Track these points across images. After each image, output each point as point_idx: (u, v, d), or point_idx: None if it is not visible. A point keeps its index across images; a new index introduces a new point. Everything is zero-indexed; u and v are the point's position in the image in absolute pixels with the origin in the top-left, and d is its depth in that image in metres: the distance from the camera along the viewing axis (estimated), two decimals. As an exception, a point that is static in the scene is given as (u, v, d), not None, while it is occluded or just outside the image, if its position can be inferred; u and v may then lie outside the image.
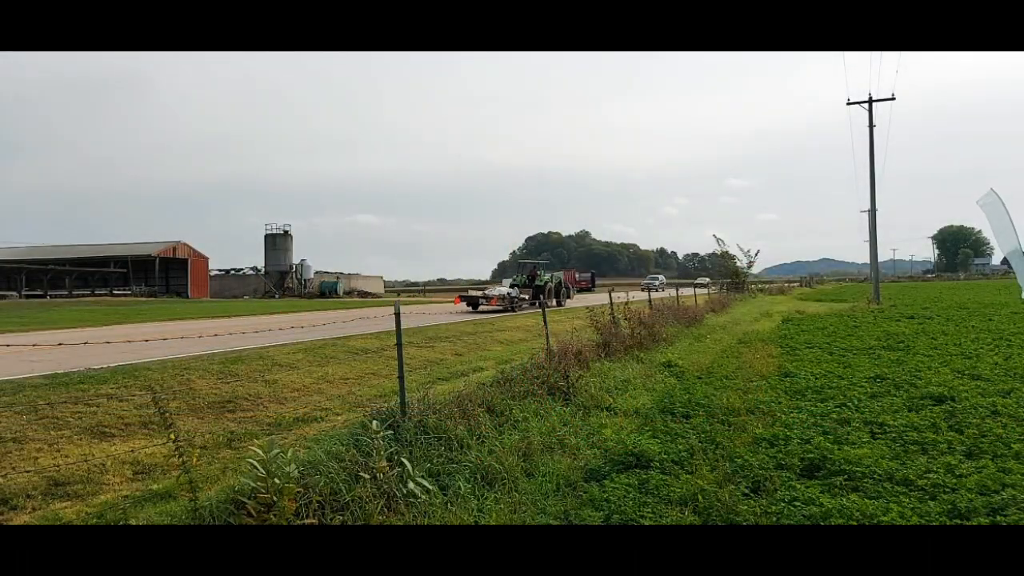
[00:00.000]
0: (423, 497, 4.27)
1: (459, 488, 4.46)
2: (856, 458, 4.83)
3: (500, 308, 22.01)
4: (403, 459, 4.52)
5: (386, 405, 5.97)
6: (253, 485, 3.93)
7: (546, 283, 26.25)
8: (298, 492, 3.98)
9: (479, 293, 24.72)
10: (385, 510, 4.10)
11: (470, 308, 22.43)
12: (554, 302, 25.97)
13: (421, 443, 5.17)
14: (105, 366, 8.28)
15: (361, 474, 4.32)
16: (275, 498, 3.79)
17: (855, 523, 3.75)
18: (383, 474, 4.32)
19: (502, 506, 4.25)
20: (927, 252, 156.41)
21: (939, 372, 8.42)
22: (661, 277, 62.57)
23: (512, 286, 25.32)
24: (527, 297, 24.35)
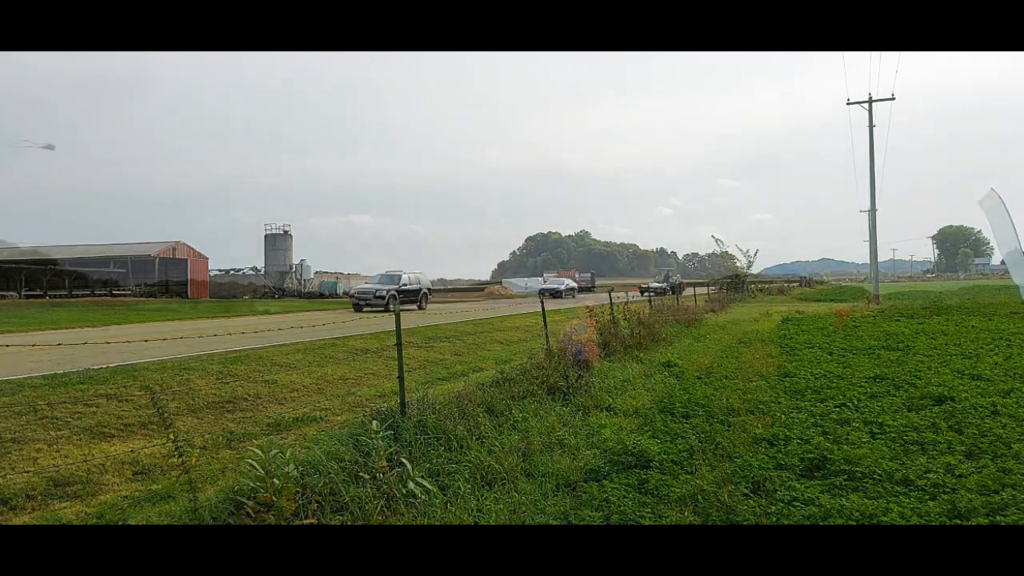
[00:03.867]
0: (423, 497, 4.26)
1: (459, 488, 4.46)
2: (856, 458, 4.83)
3: (658, 295, 33.67)
4: (403, 459, 4.52)
5: (386, 405, 5.98)
6: (252, 485, 3.93)
7: (676, 281, 46.19)
8: (297, 492, 3.98)
9: (645, 286, 43.44)
10: (385, 510, 4.10)
11: (640, 294, 34.62)
12: (677, 292, 38.34)
13: (421, 443, 5.17)
14: (105, 366, 8.28)
15: (361, 474, 4.32)
16: (274, 498, 3.79)
17: (855, 523, 3.75)
18: (383, 474, 4.32)
19: (502, 506, 4.25)
20: (927, 252, 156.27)
21: (939, 372, 8.42)
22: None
23: (657, 282, 46.00)
24: (667, 288, 41.07)
